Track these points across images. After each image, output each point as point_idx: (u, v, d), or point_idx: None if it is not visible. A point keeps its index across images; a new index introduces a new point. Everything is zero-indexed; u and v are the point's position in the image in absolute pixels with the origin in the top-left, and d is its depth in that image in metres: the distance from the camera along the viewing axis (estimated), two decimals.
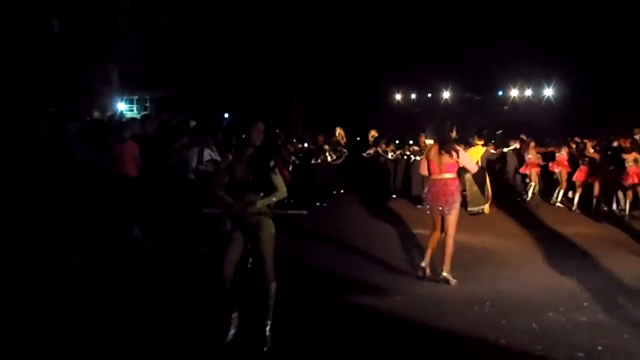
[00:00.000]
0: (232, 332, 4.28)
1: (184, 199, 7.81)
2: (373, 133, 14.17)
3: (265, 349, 4.15)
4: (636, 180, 11.07)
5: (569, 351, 4.18)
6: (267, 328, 4.23)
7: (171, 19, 27.82)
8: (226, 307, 4.34)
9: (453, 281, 6.07)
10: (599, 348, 4.22)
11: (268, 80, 28.50)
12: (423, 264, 6.29)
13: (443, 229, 6.22)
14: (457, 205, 6.18)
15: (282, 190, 4.32)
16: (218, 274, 4.20)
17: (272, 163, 4.24)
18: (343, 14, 30.86)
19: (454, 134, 6.29)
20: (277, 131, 15.50)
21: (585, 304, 5.37)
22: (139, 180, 7.96)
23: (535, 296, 5.63)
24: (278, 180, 4.29)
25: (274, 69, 29.08)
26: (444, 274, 6.13)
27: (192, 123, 9.81)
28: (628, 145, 11.57)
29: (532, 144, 13.89)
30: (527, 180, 13.89)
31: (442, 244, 6.22)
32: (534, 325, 4.74)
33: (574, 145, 13.25)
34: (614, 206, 11.82)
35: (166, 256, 7.30)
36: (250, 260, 4.31)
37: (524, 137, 14.20)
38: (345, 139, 14.26)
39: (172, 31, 27.06)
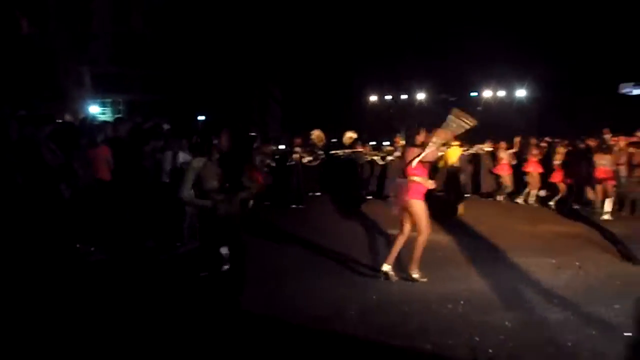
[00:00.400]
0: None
1: (159, 202, 7.76)
2: (350, 134, 14.21)
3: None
4: (604, 176, 11.31)
5: (540, 347, 4.27)
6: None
7: (145, 20, 27.56)
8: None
9: (423, 279, 6.17)
10: (569, 344, 4.32)
11: (243, 83, 28.40)
12: (389, 265, 6.36)
13: (405, 229, 6.32)
14: (422, 205, 6.24)
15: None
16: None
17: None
18: (318, 16, 30.89)
19: (422, 138, 6.36)
20: (254, 134, 15.48)
21: (555, 301, 5.48)
22: (111, 184, 7.87)
23: (507, 294, 5.72)
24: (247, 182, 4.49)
25: (249, 72, 28.98)
26: (412, 273, 6.25)
27: (166, 126, 9.76)
28: (596, 145, 11.83)
29: (504, 145, 14.13)
30: (500, 181, 14.12)
31: (409, 244, 6.31)
32: (506, 322, 4.83)
33: (544, 145, 13.53)
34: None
35: (144, 260, 7.23)
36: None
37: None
38: (324, 141, 14.26)
39: (146, 33, 26.81)
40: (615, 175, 11.47)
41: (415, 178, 6.17)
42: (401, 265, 6.45)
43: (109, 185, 7.84)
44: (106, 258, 7.11)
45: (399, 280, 6.23)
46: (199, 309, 4.77)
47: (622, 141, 12.32)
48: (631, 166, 11.39)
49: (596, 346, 4.31)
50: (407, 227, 6.33)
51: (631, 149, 11.74)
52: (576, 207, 12.04)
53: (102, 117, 20.84)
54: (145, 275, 6.54)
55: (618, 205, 11.90)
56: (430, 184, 6.31)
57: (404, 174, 6.28)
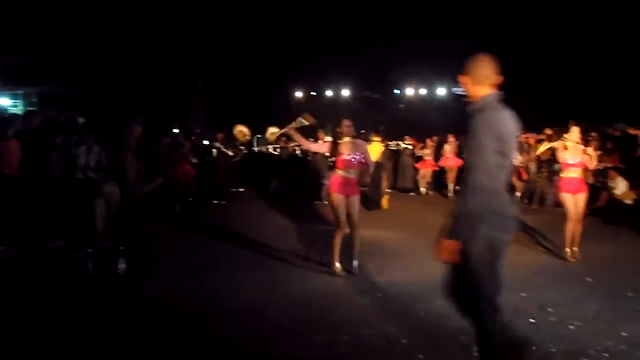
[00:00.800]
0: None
1: (71, 198, 7.43)
2: (272, 130, 14.12)
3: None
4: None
5: (452, 336, 4.43)
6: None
7: (60, 9, 26.21)
8: None
9: (341, 274, 6.31)
10: None
11: (166, 77, 27.66)
12: (338, 263, 6.40)
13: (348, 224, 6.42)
14: (333, 198, 6.38)
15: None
16: None
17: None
18: (243, 12, 30.61)
19: (345, 130, 6.48)
20: (177, 130, 15.09)
21: None
22: (18, 179, 7.46)
23: (425, 285, 5.88)
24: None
25: (172, 66, 28.27)
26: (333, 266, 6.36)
27: (81, 120, 9.37)
28: None
29: (429, 142, 14.62)
30: (420, 176, 14.57)
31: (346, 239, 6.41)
32: (421, 313, 4.99)
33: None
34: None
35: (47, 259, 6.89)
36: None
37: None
38: (248, 137, 14.11)
39: (61, 22, 25.50)
40: (526, 170, 12.11)
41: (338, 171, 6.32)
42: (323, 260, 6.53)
43: (15, 181, 7.42)
44: (16, 257, 6.74)
45: (322, 275, 6.30)
46: (112, 306, 4.61)
47: (531, 139, 13.03)
48: (540, 163, 12.05)
49: (508, 332, 4.50)
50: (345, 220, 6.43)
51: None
52: None
53: (13, 110, 19.66)
54: (56, 275, 6.25)
55: (528, 199, 12.58)
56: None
57: (342, 167, 6.40)
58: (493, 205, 3.11)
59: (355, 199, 6.41)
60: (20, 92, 24.84)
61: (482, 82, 3.24)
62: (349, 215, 6.36)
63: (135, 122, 4.17)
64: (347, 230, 6.38)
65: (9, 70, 21.89)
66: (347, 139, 6.46)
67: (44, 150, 7.78)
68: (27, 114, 9.80)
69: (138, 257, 4.17)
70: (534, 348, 4.18)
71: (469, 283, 3.22)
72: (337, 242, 6.36)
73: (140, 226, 4.20)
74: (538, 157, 12.25)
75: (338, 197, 6.35)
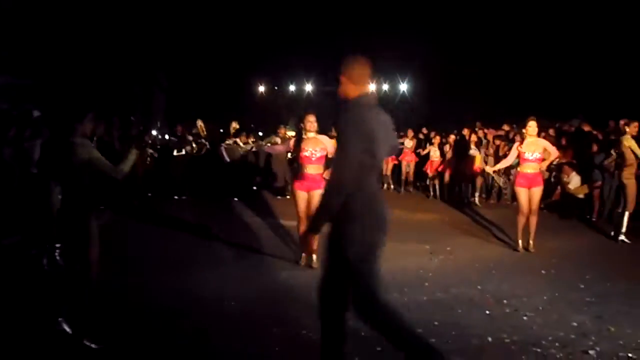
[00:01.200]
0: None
1: (26, 193, 7.23)
2: (234, 125, 14.06)
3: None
4: (478, 170, 12.22)
5: (410, 327, 4.50)
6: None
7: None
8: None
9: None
10: (435, 323, 4.60)
11: (126, 69, 27.07)
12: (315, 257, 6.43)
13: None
14: (296, 193, 6.51)
15: None
16: None
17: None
18: (206, 5, 30.20)
19: (309, 126, 6.49)
20: (133, 120, 14.82)
21: (426, 284, 5.83)
22: None
23: (384, 278, 5.95)
24: None
25: (133, 58, 27.67)
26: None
27: (36, 113, 9.11)
28: (474, 139, 12.70)
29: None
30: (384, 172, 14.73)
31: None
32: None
33: (421, 137, 14.32)
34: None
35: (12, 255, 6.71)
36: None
37: None
38: (205, 132, 13.97)
39: (14, 9, 24.63)
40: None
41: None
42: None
43: None
44: None
45: (280, 271, 6.32)
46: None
47: (490, 134, 13.33)
48: (497, 157, 12.33)
49: (460, 324, 4.63)
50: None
51: (497, 142, 12.73)
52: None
53: None
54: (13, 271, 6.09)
55: (485, 194, 12.88)
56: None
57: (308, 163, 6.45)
58: (361, 204, 3.14)
59: (317, 194, 6.44)
60: None
61: (357, 82, 3.30)
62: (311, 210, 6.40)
63: (88, 119, 4.06)
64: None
65: None
66: (311, 135, 6.47)
67: None
68: None
69: (81, 254, 4.03)
70: (489, 339, 4.31)
71: (350, 283, 3.22)
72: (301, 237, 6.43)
73: (86, 222, 4.04)
74: (495, 152, 12.56)
75: (300, 193, 6.39)
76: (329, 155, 6.44)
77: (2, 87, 22.00)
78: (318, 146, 6.42)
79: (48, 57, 22.84)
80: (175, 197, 12.17)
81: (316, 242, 6.38)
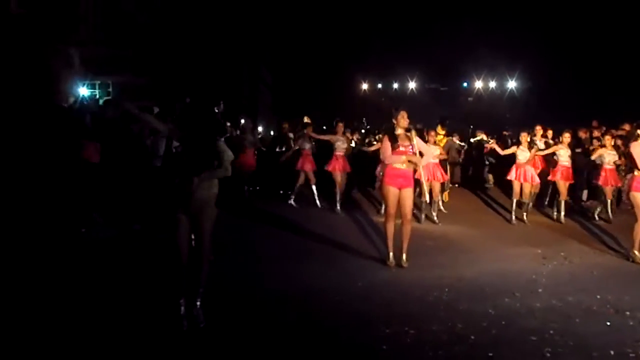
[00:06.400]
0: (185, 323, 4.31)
1: (150, 186, 7.71)
2: (306, 119, 13.78)
3: (201, 325, 4.27)
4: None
5: (522, 335, 4.33)
6: (199, 305, 4.34)
7: (137, 2, 27.15)
8: (177, 293, 4.37)
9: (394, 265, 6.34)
10: (551, 332, 4.38)
11: (234, 68, 28.17)
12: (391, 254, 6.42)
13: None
14: (385, 189, 6.40)
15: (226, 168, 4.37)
16: (177, 258, 4.31)
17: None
18: (311, 3, 30.74)
19: (402, 123, 6.39)
20: (243, 120, 15.37)
21: (540, 290, 5.55)
22: (99, 166, 7.83)
23: (492, 282, 5.78)
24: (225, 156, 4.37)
25: (240, 56, 28.75)
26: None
27: (156, 109, 9.68)
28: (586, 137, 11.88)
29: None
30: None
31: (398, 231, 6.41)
32: (490, 310, 4.89)
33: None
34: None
35: (128, 243, 7.20)
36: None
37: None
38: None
39: (136, 14, 26.41)
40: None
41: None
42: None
43: (96, 168, 7.79)
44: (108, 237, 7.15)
45: (387, 268, 6.29)
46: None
47: (609, 135, 12.36)
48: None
49: (578, 333, 4.38)
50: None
51: (618, 142, 11.80)
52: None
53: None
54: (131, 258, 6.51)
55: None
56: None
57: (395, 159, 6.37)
58: None
59: (408, 192, 6.36)
60: (97, 82, 25.92)
61: None
62: (400, 208, 6.32)
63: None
64: (398, 222, 6.39)
65: (89, 60, 22.85)
66: (401, 131, 6.38)
67: (125, 139, 8.11)
68: (105, 103, 10.22)
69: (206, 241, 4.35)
70: (612, 352, 4.04)
71: None
72: (389, 233, 6.41)
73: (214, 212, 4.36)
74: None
75: (391, 189, 6.34)
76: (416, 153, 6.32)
77: (126, 85, 23.69)
78: (410, 142, 6.32)
79: (165, 58, 24.28)
80: (282, 192, 12.37)
81: (407, 240, 6.35)
